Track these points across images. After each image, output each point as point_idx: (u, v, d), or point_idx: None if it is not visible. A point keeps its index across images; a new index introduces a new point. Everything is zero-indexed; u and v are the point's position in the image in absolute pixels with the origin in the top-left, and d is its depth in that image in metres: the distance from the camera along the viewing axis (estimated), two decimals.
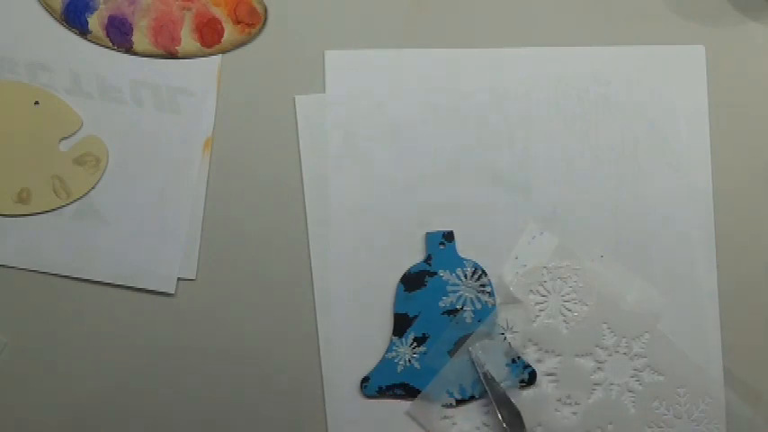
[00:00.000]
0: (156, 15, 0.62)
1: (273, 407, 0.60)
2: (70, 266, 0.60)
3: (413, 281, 0.61)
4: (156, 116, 0.61)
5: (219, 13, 0.62)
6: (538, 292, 0.61)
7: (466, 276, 0.61)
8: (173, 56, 0.62)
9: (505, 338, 0.61)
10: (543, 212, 0.62)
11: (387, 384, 0.60)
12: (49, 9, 0.61)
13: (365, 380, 0.60)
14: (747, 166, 0.64)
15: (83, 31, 0.61)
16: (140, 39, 0.61)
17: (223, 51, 0.62)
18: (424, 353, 0.60)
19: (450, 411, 0.60)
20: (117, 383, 0.60)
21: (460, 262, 0.61)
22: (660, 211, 0.63)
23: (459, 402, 0.60)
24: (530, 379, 0.60)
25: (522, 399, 0.60)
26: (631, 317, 0.61)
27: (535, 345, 0.61)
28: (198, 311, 0.61)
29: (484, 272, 0.61)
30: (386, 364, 0.60)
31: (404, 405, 0.60)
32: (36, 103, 0.61)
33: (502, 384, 0.60)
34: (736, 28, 0.65)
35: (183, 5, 0.62)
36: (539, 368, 0.61)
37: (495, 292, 0.61)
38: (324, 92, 0.62)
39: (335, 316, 0.61)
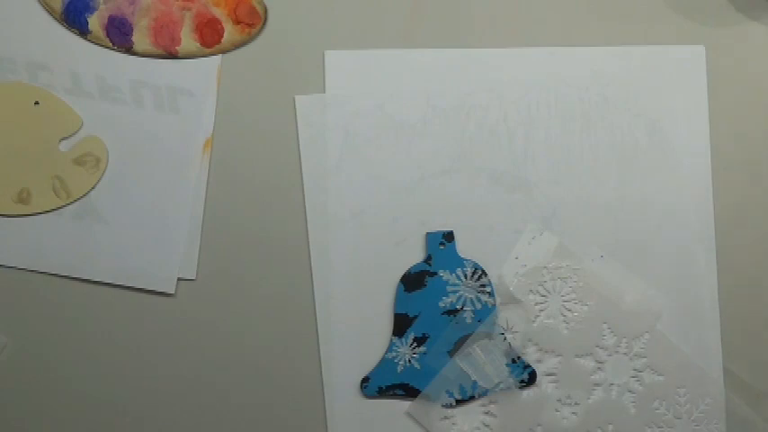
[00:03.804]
0: (156, 15, 0.62)
1: (273, 407, 0.60)
2: (70, 266, 0.60)
3: (413, 281, 0.61)
4: (156, 116, 0.61)
5: (219, 13, 0.62)
6: (538, 292, 0.61)
7: (466, 276, 0.61)
8: (173, 56, 0.62)
9: (505, 338, 0.61)
10: (543, 212, 0.62)
11: (387, 384, 0.60)
12: (48, 9, 0.61)
13: (365, 380, 0.60)
14: (747, 167, 0.64)
15: (83, 31, 0.61)
16: (140, 39, 0.61)
17: (223, 51, 0.62)
18: (424, 353, 0.60)
19: (449, 411, 0.60)
20: (117, 383, 0.60)
21: (460, 262, 0.61)
22: (660, 211, 0.63)
23: (459, 402, 0.60)
24: (530, 379, 0.60)
25: (522, 399, 0.61)
26: (631, 317, 0.61)
27: (535, 345, 0.61)
28: (198, 311, 0.61)
29: (484, 272, 0.61)
30: (386, 364, 0.60)
31: (404, 405, 0.60)
32: (36, 103, 0.61)
33: (501, 384, 0.60)
34: (736, 28, 0.65)
35: (183, 5, 0.62)
36: (539, 368, 0.61)
37: (495, 293, 0.61)
38: (324, 92, 0.62)
39: (335, 316, 0.61)
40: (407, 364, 0.60)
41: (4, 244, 0.60)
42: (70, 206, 0.60)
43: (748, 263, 0.63)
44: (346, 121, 0.62)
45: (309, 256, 0.61)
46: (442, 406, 0.60)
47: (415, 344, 0.60)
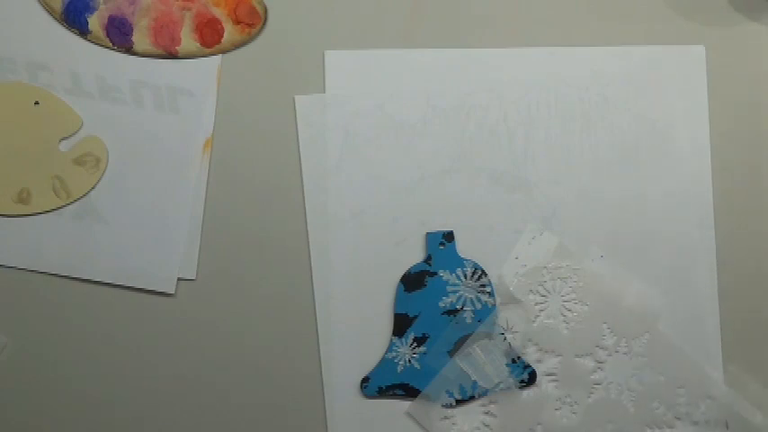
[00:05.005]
0: (156, 15, 0.62)
1: (273, 407, 0.60)
2: (70, 266, 0.60)
3: (413, 281, 0.61)
4: (156, 116, 0.61)
5: (219, 13, 0.62)
6: (538, 292, 0.61)
7: (466, 276, 0.61)
8: (173, 56, 0.62)
9: (505, 338, 0.61)
10: (543, 212, 0.62)
11: (387, 384, 0.60)
12: (48, 9, 0.61)
13: (365, 380, 0.60)
14: (747, 167, 0.64)
15: (83, 31, 0.61)
16: (140, 39, 0.61)
17: (223, 51, 0.62)
18: (424, 353, 0.60)
19: (449, 411, 0.60)
20: (117, 383, 0.60)
21: (460, 262, 0.61)
22: (660, 211, 0.63)
23: (459, 402, 0.60)
24: (530, 379, 0.60)
25: (522, 399, 0.61)
26: (631, 317, 0.61)
27: (535, 345, 0.61)
28: (198, 311, 0.61)
29: (484, 272, 0.61)
30: (386, 364, 0.60)
31: (404, 405, 0.60)
32: (36, 103, 0.61)
33: (501, 384, 0.60)
34: (736, 28, 0.65)
35: (183, 5, 0.62)
36: (539, 368, 0.61)
37: (495, 293, 0.61)
38: (324, 92, 0.62)
39: (335, 316, 0.61)
40: (407, 364, 0.60)
41: (4, 244, 0.60)
42: (70, 206, 0.60)
43: (748, 263, 0.63)
44: (346, 121, 0.62)
45: (309, 256, 0.61)
46: (442, 406, 0.60)
47: (415, 344, 0.60)
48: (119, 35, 0.61)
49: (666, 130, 0.63)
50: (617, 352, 0.61)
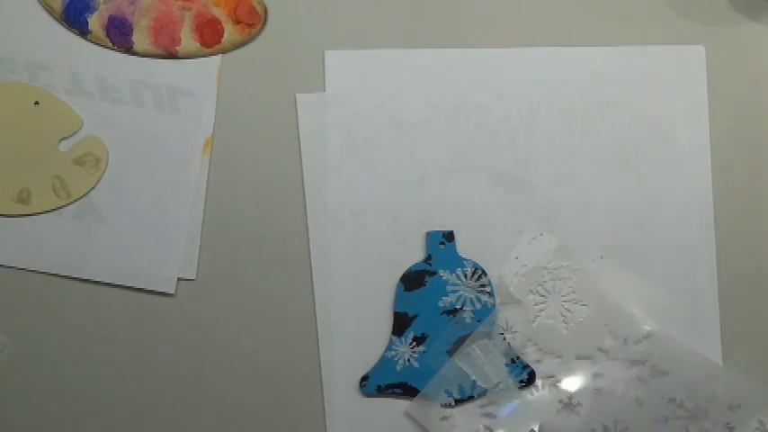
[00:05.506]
0: (156, 15, 0.62)
1: (273, 405, 0.61)
2: (70, 266, 0.60)
3: (413, 280, 0.61)
4: (156, 116, 0.61)
5: (219, 13, 0.62)
6: (537, 292, 0.61)
7: (466, 276, 0.61)
8: (173, 56, 0.62)
9: (505, 338, 0.61)
10: (543, 212, 0.62)
11: (386, 383, 0.60)
12: (48, 9, 0.61)
13: (364, 378, 0.60)
14: (747, 166, 0.64)
15: (83, 31, 0.61)
16: (140, 39, 0.61)
17: (223, 51, 0.62)
18: (424, 352, 0.60)
19: (448, 411, 0.60)
20: (117, 384, 0.60)
21: (460, 262, 0.61)
22: (660, 212, 0.63)
23: (458, 402, 0.60)
24: (529, 379, 0.60)
25: (522, 399, 0.61)
26: (631, 317, 0.61)
27: (535, 345, 0.61)
28: (198, 311, 0.61)
29: (484, 272, 0.61)
30: (385, 363, 0.60)
31: (403, 404, 0.61)
32: (36, 103, 0.61)
33: (500, 384, 0.60)
34: (736, 28, 0.65)
35: (183, 5, 0.62)
36: (538, 368, 0.61)
37: (495, 293, 0.61)
38: (324, 92, 0.62)
39: (335, 315, 0.61)
40: (407, 364, 0.60)
41: (4, 244, 0.60)
42: (70, 206, 0.60)
43: (748, 263, 0.63)
44: (347, 120, 0.62)
45: (309, 256, 0.61)
46: (441, 405, 0.60)
47: (414, 343, 0.60)
48: (119, 35, 0.61)
49: (666, 131, 0.63)
50: (616, 353, 0.61)
